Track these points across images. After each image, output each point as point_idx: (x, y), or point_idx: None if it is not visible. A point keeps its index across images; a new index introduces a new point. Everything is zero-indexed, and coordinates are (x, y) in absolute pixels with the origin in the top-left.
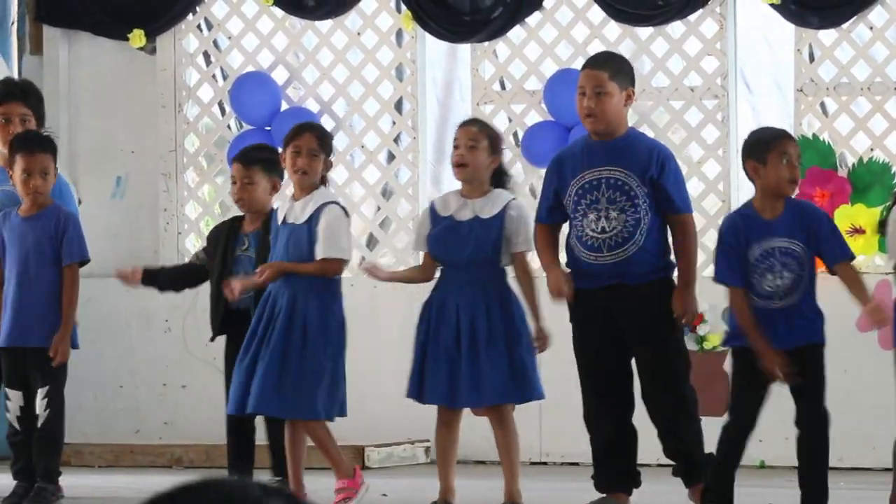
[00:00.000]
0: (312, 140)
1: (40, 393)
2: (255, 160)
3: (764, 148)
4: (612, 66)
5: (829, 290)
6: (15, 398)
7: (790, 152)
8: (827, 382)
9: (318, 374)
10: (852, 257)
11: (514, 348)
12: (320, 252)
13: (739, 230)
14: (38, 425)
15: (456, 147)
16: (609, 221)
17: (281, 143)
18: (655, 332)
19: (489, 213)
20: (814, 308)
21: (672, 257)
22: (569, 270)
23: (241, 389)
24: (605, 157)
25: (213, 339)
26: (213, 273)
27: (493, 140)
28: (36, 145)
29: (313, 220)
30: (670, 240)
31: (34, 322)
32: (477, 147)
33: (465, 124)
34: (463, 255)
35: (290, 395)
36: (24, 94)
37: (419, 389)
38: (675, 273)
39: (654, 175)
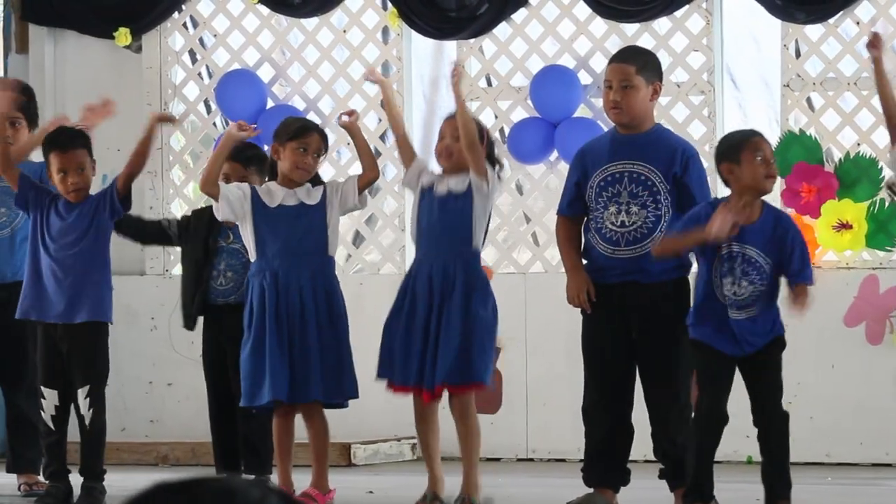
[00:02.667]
0: (320, 142)
1: (82, 392)
2: (251, 159)
3: (737, 148)
4: (639, 60)
5: (816, 285)
6: (50, 397)
7: (763, 149)
8: (809, 382)
9: (349, 354)
10: (811, 282)
11: (468, 331)
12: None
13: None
14: (86, 424)
15: (442, 138)
16: (629, 216)
17: (267, 141)
18: (664, 334)
19: (461, 187)
20: (773, 317)
21: (688, 257)
22: (585, 262)
23: (281, 377)
24: (630, 152)
25: (191, 328)
26: (191, 260)
27: (479, 132)
28: (69, 141)
29: (326, 200)
30: None
31: (80, 300)
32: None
33: (452, 117)
34: (437, 232)
35: (338, 379)
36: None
37: (391, 370)
38: (688, 274)
39: (677, 173)
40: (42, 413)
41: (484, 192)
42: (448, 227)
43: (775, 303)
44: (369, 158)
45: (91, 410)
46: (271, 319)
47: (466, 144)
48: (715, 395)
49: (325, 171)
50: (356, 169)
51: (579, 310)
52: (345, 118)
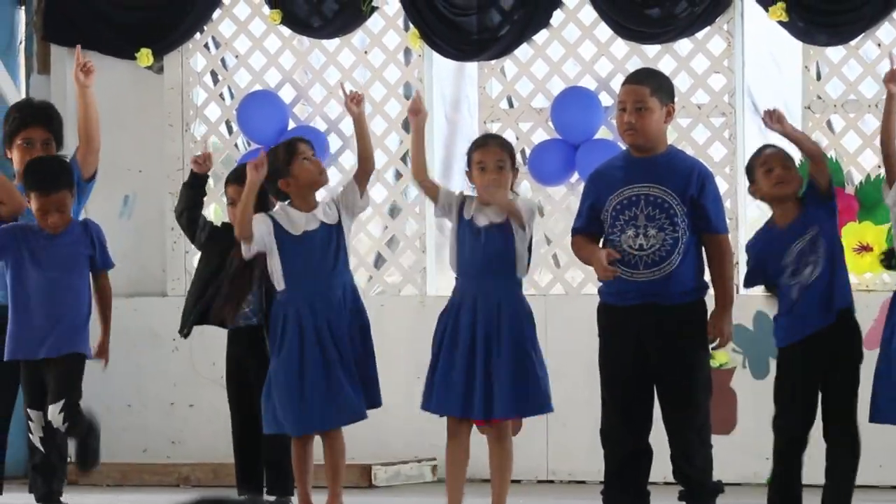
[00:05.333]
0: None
1: (55, 407)
2: None
3: (750, 168)
4: (653, 82)
5: None
6: (37, 419)
7: (769, 161)
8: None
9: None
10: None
11: (525, 360)
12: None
13: (761, 252)
14: (59, 433)
15: (484, 169)
16: (647, 239)
17: None
18: (683, 357)
19: (500, 217)
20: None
21: (705, 278)
22: (599, 284)
23: (323, 402)
24: (645, 174)
25: (185, 335)
26: (201, 274)
27: (512, 156)
28: (51, 186)
29: (339, 215)
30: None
31: (71, 333)
32: (505, 167)
33: (488, 144)
34: (480, 262)
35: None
36: (48, 118)
37: (432, 400)
38: (706, 295)
39: (694, 194)
40: (31, 436)
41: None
42: (492, 257)
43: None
44: (365, 151)
45: (66, 424)
46: (311, 345)
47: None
48: (797, 410)
49: (331, 175)
50: (377, 191)
51: (597, 332)
52: (354, 108)
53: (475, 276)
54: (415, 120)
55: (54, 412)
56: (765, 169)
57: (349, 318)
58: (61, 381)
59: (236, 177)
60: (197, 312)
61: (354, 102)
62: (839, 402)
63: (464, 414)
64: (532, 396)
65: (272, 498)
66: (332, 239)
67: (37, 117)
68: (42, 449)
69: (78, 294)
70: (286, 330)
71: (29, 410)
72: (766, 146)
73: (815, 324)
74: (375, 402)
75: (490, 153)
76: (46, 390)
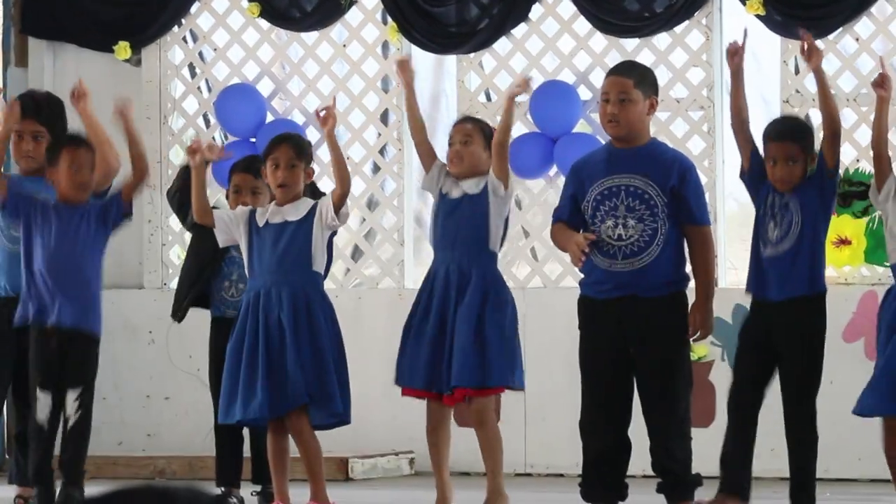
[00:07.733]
0: (289, 150)
1: (73, 394)
2: (261, 171)
3: (765, 142)
4: (637, 74)
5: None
6: (44, 401)
7: (775, 154)
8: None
9: (337, 373)
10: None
11: (483, 333)
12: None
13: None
14: (69, 426)
15: (451, 144)
16: (626, 229)
17: None
18: (663, 349)
19: (476, 189)
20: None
21: (686, 270)
22: (580, 277)
23: (255, 396)
24: (626, 165)
25: (179, 320)
26: (197, 256)
27: (488, 134)
28: (83, 142)
29: (311, 215)
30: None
31: (79, 304)
32: (471, 142)
33: (460, 122)
34: (452, 233)
35: (323, 394)
36: (38, 109)
37: (403, 375)
38: (688, 288)
39: (675, 185)
40: (37, 415)
41: (500, 195)
42: (463, 228)
43: (817, 257)
44: (339, 172)
45: (79, 413)
46: (251, 337)
47: (497, 142)
48: (746, 373)
49: (325, 184)
50: (355, 184)
51: (577, 324)
52: (328, 125)
53: (448, 247)
54: (403, 78)
55: (71, 399)
56: (770, 161)
57: (298, 321)
58: (78, 369)
59: (244, 165)
60: (192, 297)
61: (323, 121)
62: (798, 381)
63: (428, 388)
64: (489, 370)
65: (258, 487)
66: (288, 235)
67: (26, 109)
68: (45, 427)
69: (89, 269)
70: (238, 320)
71: (39, 390)
72: (775, 135)
73: (780, 294)
74: (331, 412)
75: (459, 129)
76: (56, 369)
